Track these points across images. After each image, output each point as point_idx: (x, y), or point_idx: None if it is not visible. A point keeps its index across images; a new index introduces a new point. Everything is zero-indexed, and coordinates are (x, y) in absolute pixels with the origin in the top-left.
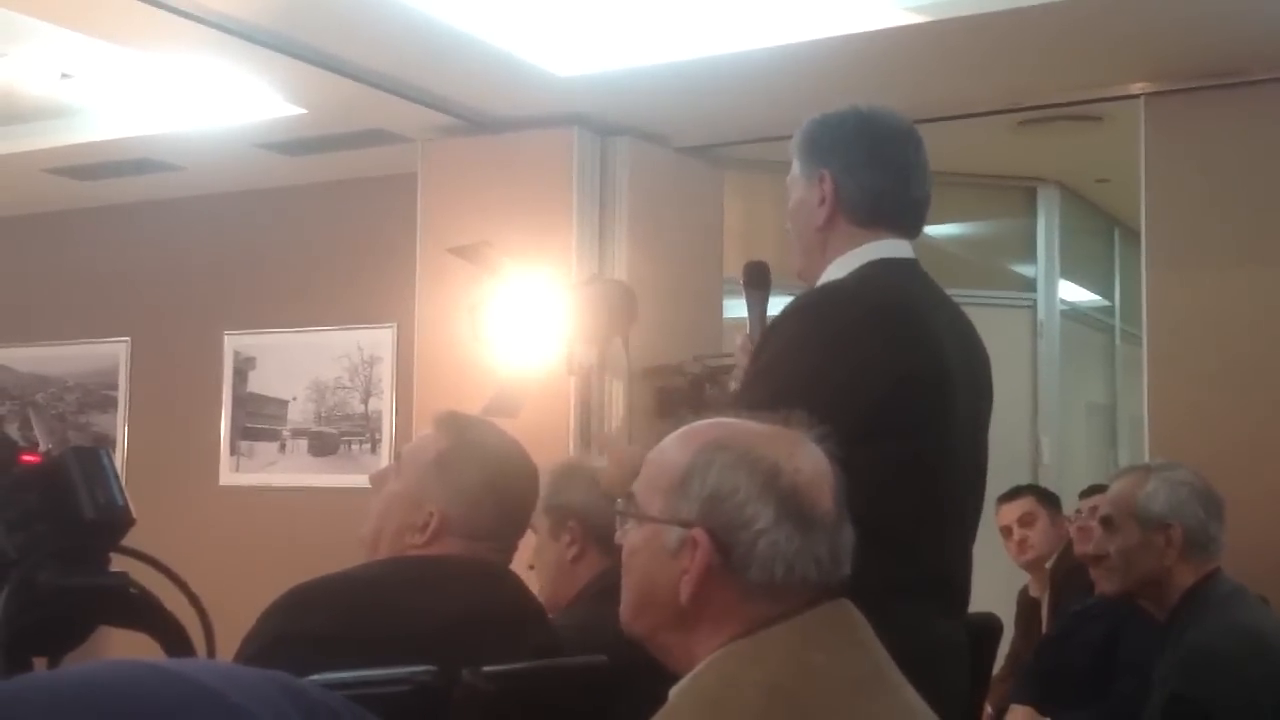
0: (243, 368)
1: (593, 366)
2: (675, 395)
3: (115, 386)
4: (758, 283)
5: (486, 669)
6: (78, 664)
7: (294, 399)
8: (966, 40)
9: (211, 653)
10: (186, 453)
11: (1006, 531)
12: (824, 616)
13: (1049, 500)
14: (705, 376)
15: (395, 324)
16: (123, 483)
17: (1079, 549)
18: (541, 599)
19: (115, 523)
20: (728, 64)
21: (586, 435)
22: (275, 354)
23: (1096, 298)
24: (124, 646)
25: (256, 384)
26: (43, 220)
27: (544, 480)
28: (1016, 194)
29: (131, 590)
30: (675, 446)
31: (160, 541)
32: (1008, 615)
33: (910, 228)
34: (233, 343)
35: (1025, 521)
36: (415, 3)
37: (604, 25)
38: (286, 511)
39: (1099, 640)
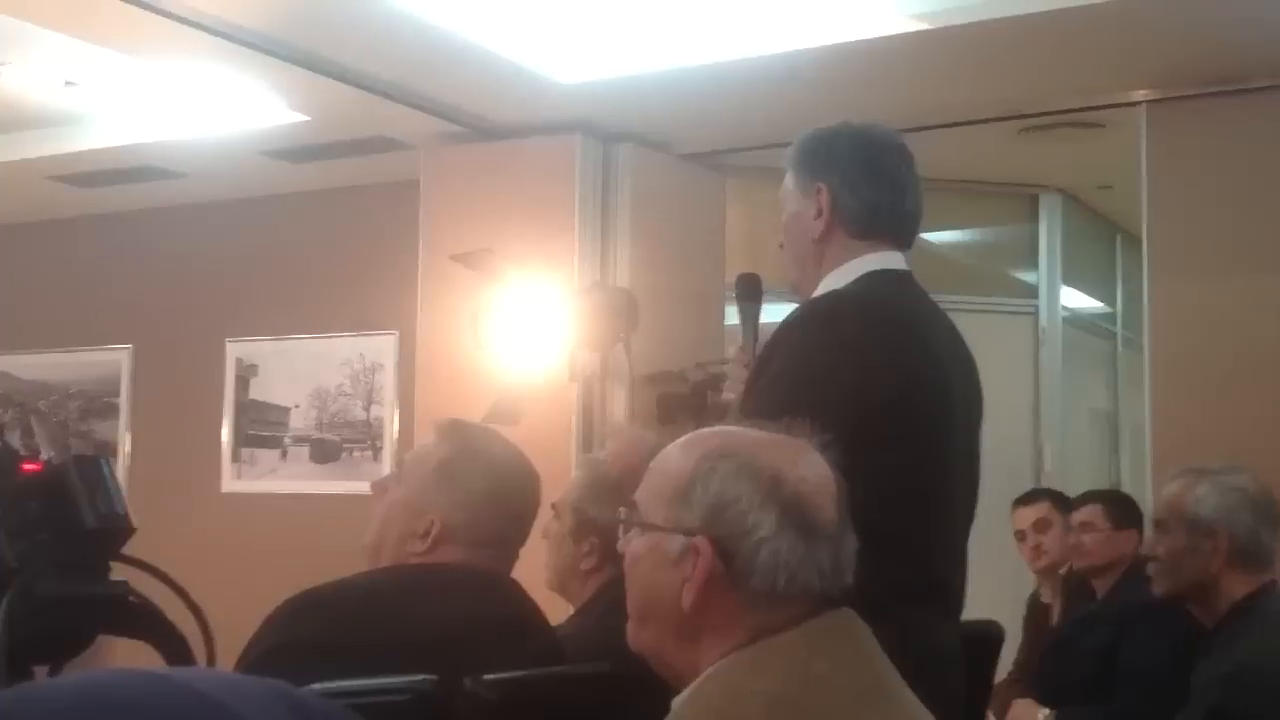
0: (245, 375)
1: (595, 373)
2: (677, 402)
3: (117, 394)
4: (750, 295)
5: (488, 677)
6: (78, 673)
7: (296, 406)
8: (969, 48)
9: (212, 661)
10: (188, 460)
11: (1021, 536)
12: (827, 626)
13: (1065, 505)
14: (707, 383)
15: (397, 331)
16: (124, 492)
17: (1075, 563)
18: (546, 575)
19: (116, 532)
20: (730, 71)
21: (589, 442)
22: (277, 361)
23: (1099, 304)
24: (125, 655)
25: (258, 391)
26: (45, 227)
27: (580, 477)
28: (1019, 201)
29: (132, 599)
30: (678, 455)
31: (162, 548)
32: (1015, 618)
33: (904, 240)
34: (235, 350)
35: (1040, 527)
36: (418, 10)
37: (606, 32)
38: (288, 519)
39: (1100, 648)
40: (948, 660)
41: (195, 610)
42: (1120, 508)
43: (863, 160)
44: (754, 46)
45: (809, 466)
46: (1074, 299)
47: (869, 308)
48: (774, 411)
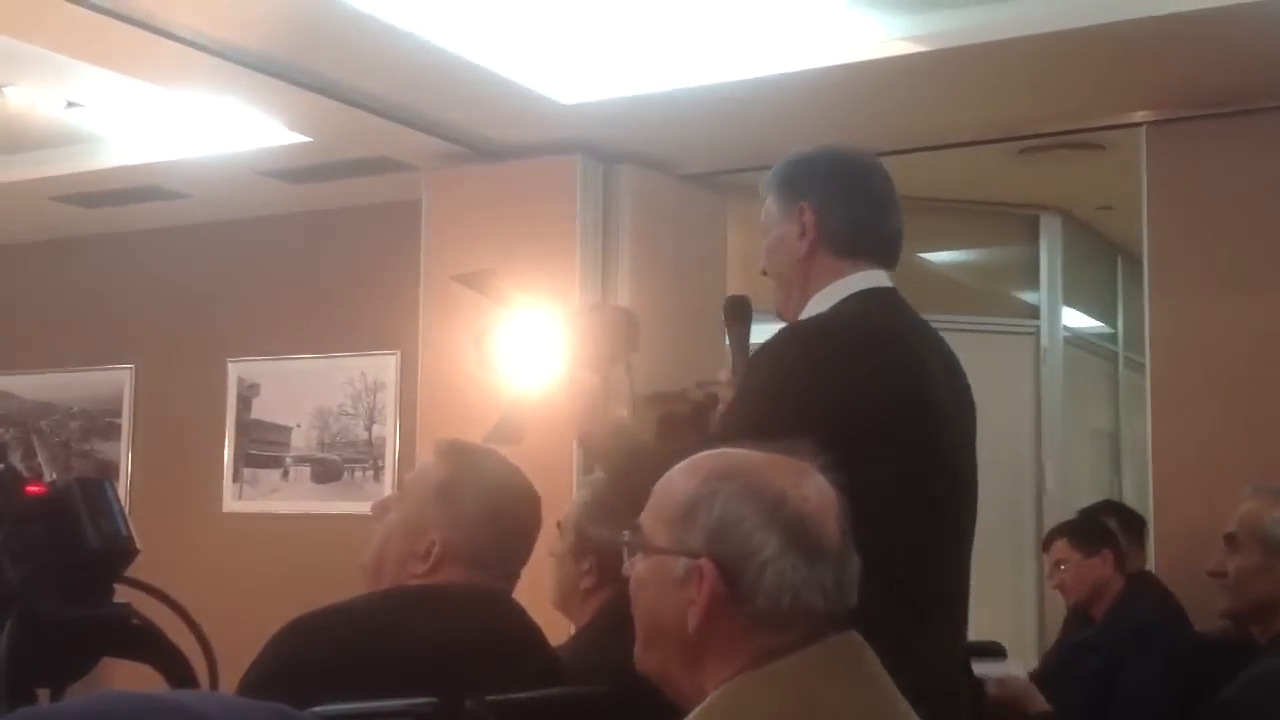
0: (246, 394)
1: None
2: (678, 422)
3: (119, 413)
4: (738, 317)
5: (489, 698)
6: (80, 696)
7: (297, 426)
8: (968, 69)
9: (214, 684)
10: (190, 479)
11: (1049, 577)
12: (832, 649)
13: (1082, 538)
14: (709, 403)
15: (399, 351)
16: (127, 514)
17: (1066, 601)
18: (550, 594)
19: (119, 554)
20: (730, 92)
21: (589, 462)
22: (279, 381)
23: (1100, 325)
24: (127, 678)
25: (260, 411)
26: (48, 247)
27: (584, 494)
28: (1019, 221)
29: (135, 621)
30: (681, 477)
31: (163, 569)
32: (1015, 638)
33: (888, 259)
34: (237, 369)
35: (1057, 566)
36: (419, 31)
37: (607, 53)
38: (289, 539)
39: (1097, 672)
40: (950, 680)
41: (197, 632)
42: (1085, 534)
43: (843, 179)
44: (754, 67)
45: (812, 487)
46: (1075, 319)
47: (849, 329)
48: (743, 433)
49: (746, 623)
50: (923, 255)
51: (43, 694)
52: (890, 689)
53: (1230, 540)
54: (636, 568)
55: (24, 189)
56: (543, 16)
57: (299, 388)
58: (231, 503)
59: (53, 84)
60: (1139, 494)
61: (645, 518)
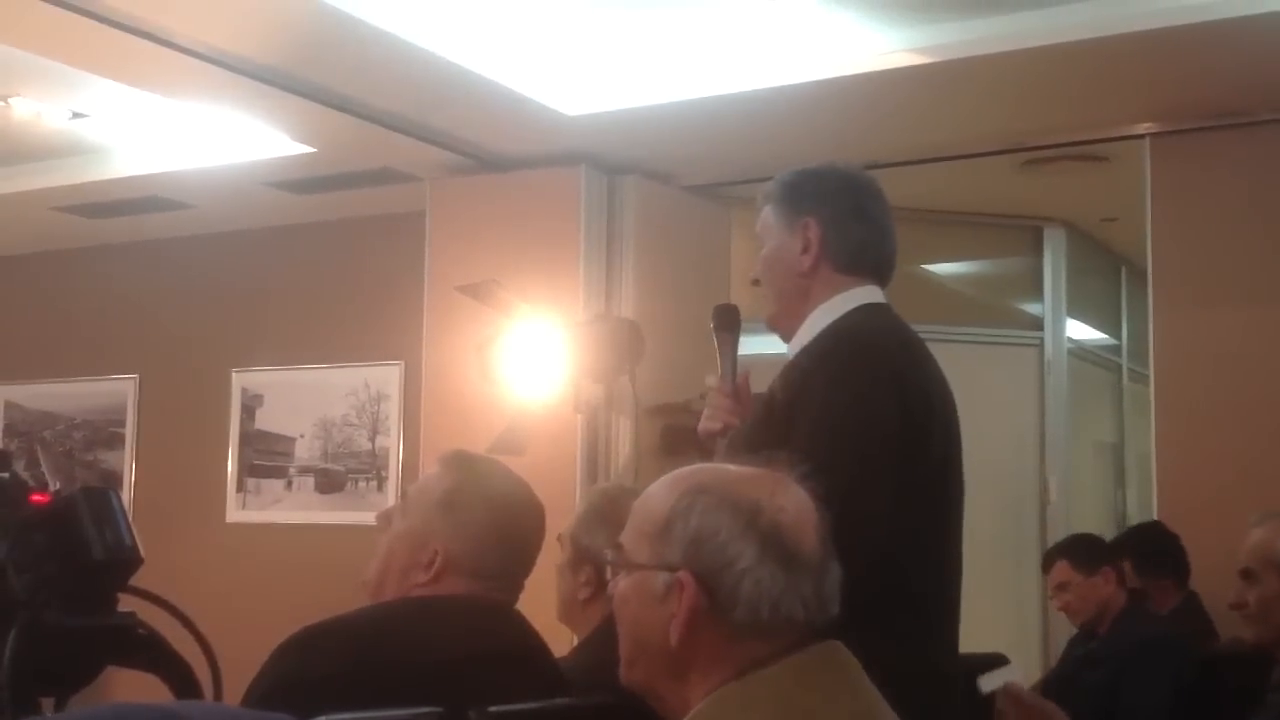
0: (250, 405)
1: (599, 404)
2: (682, 433)
3: (123, 423)
4: (727, 325)
5: (492, 709)
6: (84, 706)
7: (301, 436)
8: (971, 81)
9: (219, 694)
10: (193, 490)
11: (1053, 599)
12: (814, 658)
13: (1082, 558)
14: None
15: (403, 361)
16: (131, 523)
17: (1072, 622)
18: (556, 607)
19: (124, 563)
20: (733, 104)
21: (593, 473)
22: (283, 391)
23: (1104, 336)
24: (132, 687)
25: (264, 421)
26: (52, 258)
27: (581, 507)
28: (1023, 233)
29: (139, 631)
30: (659, 493)
31: (167, 578)
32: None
33: (884, 278)
34: (240, 380)
35: (1061, 590)
36: (423, 43)
37: (611, 65)
38: (293, 549)
39: (1101, 687)
40: (941, 687)
41: (202, 642)
42: (1085, 554)
43: (850, 199)
44: (757, 79)
45: (788, 497)
46: (1079, 331)
47: (877, 340)
48: (830, 454)
49: (728, 634)
50: (926, 267)
51: (47, 703)
52: (874, 697)
53: (1246, 574)
54: (619, 586)
55: (29, 199)
56: (546, 29)
57: (303, 398)
58: (235, 513)
59: (58, 94)
60: (1143, 506)
61: (625, 535)
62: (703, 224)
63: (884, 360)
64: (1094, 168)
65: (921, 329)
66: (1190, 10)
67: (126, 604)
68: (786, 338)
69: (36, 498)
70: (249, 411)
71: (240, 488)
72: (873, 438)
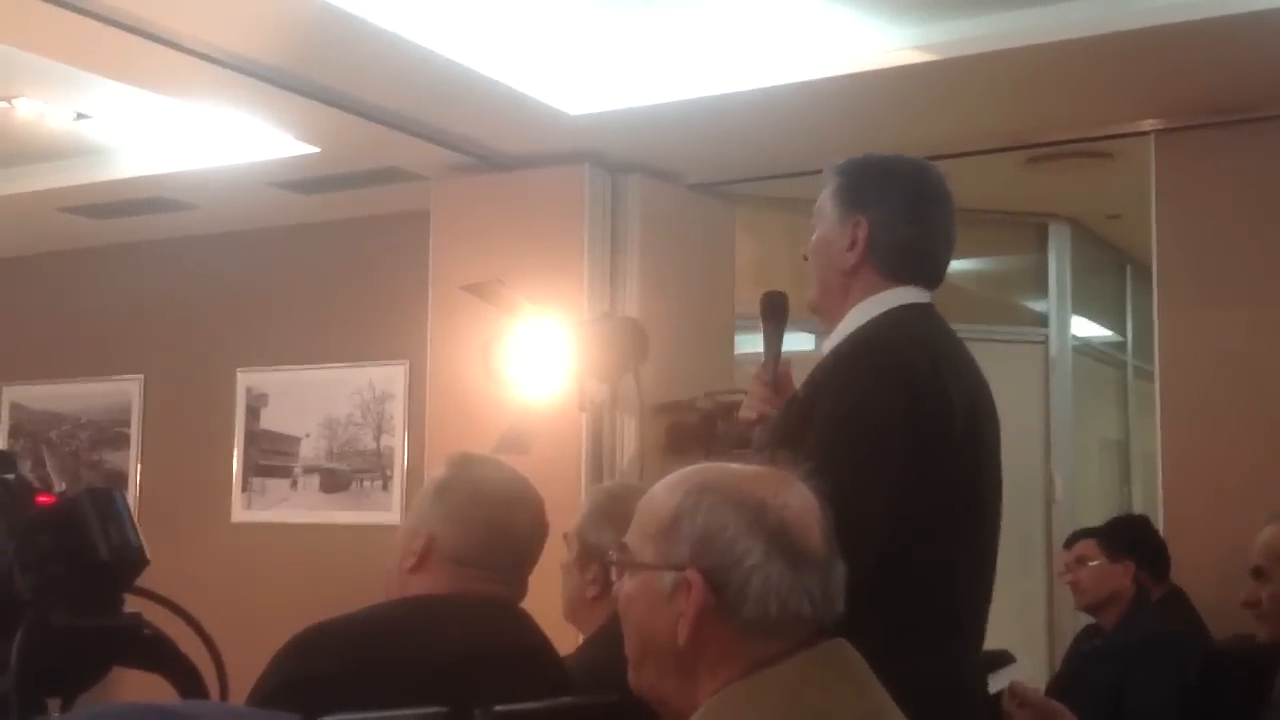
0: (255, 404)
1: (604, 403)
2: (687, 432)
3: (128, 424)
4: (775, 314)
5: (498, 708)
6: (91, 706)
7: (306, 436)
8: (976, 78)
9: (224, 694)
10: (199, 490)
11: (1062, 575)
12: (821, 656)
13: (1112, 544)
14: (717, 413)
15: (407, 361)
16: (137, 524)
17: (1076, 601)
18: (562, 606)
19: (130, 564)
20: (737, 102)
21: (598, 472)
22: (288, 391)
23: (1109, 333)
24: (138, 688)
25: (269, 421)
26: (57, 258)
27: (588, 504)
28: (1028, 230)
29: (145, 631)
30: (663, 493)
31: (172, 578)
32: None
33: (932, 282)
34: (245, 379)
35: (1078, 563)
36: (427, 42)
37: (615, 63)
38: (298, 548)
39: (1107, 685)
40: (968, 693)
41: (208, 642)
42: (1115, 538)
43: (910, 202)
44: (761, 77)
45: (793, 495)
46: (1084, 328)
47: (896, 345)
48: (832, 454)
49: (736, 632)
50: None
51: (53, 704)
52: (882, 696)
53: (1258, 573)
54: (625, 586)
55: (33, 200)
56: (550, 28)
57: (308, 398)
58: (240, 512)
59: (62, 95)
60: (1148, 503)
61: (630, 536)
62: (707, 222)
63: (898, 365)
64: (1099, 164)
65: None
66: (1196, 6)
67: (132, 604)
68: (826, 325)
69: (42, 498)
70: (254, 411)
71: (245, 487)
72: (873, 441)
